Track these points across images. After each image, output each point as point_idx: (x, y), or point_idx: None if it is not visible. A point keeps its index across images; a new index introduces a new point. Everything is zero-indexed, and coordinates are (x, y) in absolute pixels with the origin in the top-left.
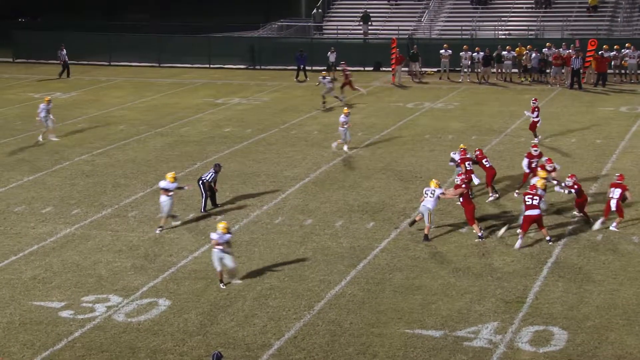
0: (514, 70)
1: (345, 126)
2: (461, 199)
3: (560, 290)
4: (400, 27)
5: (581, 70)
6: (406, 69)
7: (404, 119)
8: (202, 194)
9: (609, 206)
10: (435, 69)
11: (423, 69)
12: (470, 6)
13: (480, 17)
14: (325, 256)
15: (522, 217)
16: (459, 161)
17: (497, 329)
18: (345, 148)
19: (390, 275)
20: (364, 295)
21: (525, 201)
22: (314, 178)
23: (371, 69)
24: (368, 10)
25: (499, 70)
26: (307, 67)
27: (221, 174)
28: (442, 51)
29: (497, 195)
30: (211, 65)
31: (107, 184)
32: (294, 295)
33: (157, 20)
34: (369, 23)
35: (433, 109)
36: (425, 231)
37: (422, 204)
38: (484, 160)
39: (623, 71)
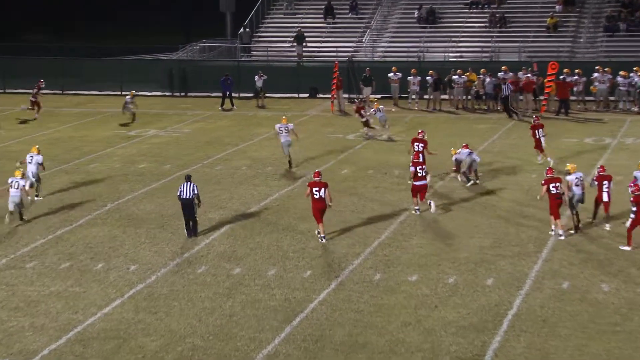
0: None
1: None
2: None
3: (522, 347)
4: (339, 48)
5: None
6: (348, 95)
7: (345, 152)
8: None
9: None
10: (378, 96)
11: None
12: (417, 25)
13: (428, 37)
14: (255, 310)
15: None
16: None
17: None
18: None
19: (330, 332)
20: (301, 355)
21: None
22: (242, 220)
23: (306, 95)
24: (302, 30)
25: (451, 97)
26: (233, 94)
27: (135, 216)
28: (390, 75)
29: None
30: (123, 92)
31: (1, 231)
32: (219, 357)
33: (60, 42)
34: (304, 44)
35: (377, 141)
36: None
37: None
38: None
39: (588, 98)
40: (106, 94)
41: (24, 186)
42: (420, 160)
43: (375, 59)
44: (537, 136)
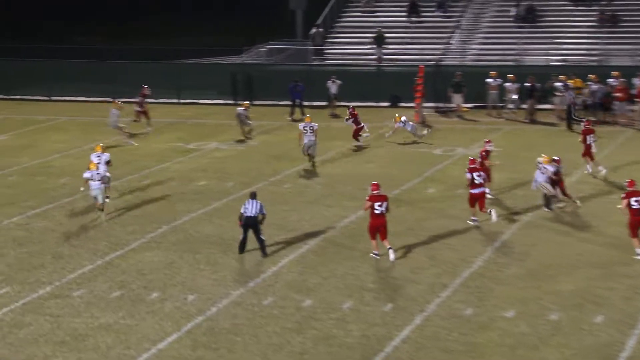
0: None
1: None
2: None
3: None
4: (424, 51)
5: None
6: (435, 105)
7: (431, 169)
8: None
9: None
10: (469, 105)
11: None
12: (514, 24)
13: (527, 38)
14: (329, 348)
15: None
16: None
17: None
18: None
19: None
20: None
21: None
22: (314, 245)
23: (387, 104)
24: (382, 30)
25: (554, 107)
26: (304, 102)
27: (193, 239)
28: (489, 80)
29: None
30: (181, 100)
31: (46, 255)
32: None
33: (111, 44)
34: (384, 46)
35: (468, 156)
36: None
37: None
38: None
39: None
40: (161, 102)
41: (104, 176)
42: (477, 165)
43: (466, 62)
44: (588, 142)
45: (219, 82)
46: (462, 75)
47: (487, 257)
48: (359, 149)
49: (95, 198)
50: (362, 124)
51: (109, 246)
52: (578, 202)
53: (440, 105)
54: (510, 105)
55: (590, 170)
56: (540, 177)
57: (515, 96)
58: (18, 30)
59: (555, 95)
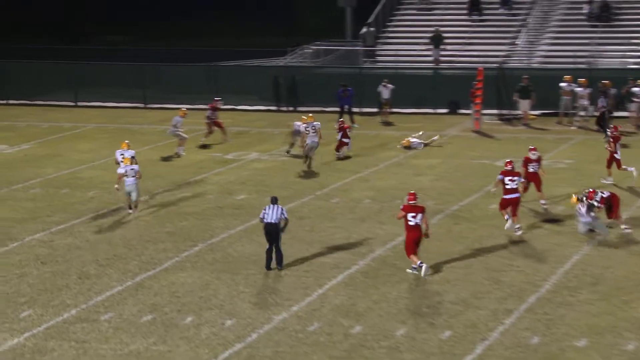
0: None
1: None
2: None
3: None
4: (487, 52)
5: None
6: (498, 111)
7: (493, 183)
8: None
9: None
10: (537, 112)
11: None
12: (587, 23)
13: (601, 38)
14: None
15: None
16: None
17: None
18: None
19: None
20: None
21: None
22: (364, 266)
23: (444, 111)
24: (440, 29)
25: (631, 114)
26: (353, 109)
27: (232, 259)
28: (563, 85)
29: None
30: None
31: (71, 275)
32: None
33: (142, 44)
34: (442, 47)
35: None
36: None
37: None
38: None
39: None
40: (196, 108)
41: (138, 171)
42: (513, 169)
43: (533, 65)
44: (616, 149)
45: (260, 87)
46: (529, 79)
47: (556, 280)
48: (338, 159)
49: (129, 194)
50: (348, 140)
51: (139, 266)
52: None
53: (504, 112)
54: (582, 113)
55: (611, 181)
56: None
57: (586, 102)
58: (40, 30)
59: (632, 101)
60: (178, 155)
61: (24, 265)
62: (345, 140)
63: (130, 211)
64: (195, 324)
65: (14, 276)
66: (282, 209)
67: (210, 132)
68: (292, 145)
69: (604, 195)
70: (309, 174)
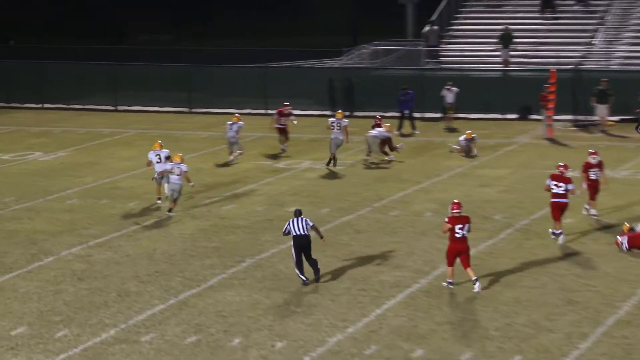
0: None
1: None
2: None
3: None
4: (561, 53)
5: None
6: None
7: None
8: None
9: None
10: (616, 118)
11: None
12: None
13: None
14: None
15: None
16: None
17: None
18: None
19: None
20: None
21: None
22: (426, 284)
23: (515, 116)
24: (510, 28)
25: None
26: (414, 114)
27: (282, 276)
28: None
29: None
30: (268, 111)
31: (110, 292)
32: None
33: (188, 43)
34: (512, 46)
35: (612, 180)
36: None
37: None
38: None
39: None
40: (246, 113)
41: (185, 171)
42: (562, 173)
43: (612, 67)
44: None
45: (314, 90)
46: (608, 82)
47: (636, 301)
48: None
49: (172, 192)
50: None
51: (183, 283)
52: None
53: (580, 118)
54: None
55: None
56: None
57: None
58: (82, 30)
59: None
60: (233, 159)
61: (59, 281)
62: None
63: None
64: (243, 346)
65: (49, 293)
66: (307, 221)
67: (286, 138)
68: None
69: None
70: (366, 185)
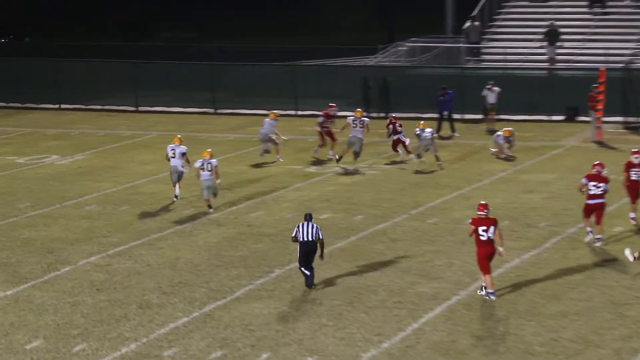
0: None
1: None
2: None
3: None
4: (610, 51)
5: None
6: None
7: (618, 202)
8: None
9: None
10: None
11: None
12: None
13: None
14: None
15: None
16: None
17: None
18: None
19: None
20: None
21: None
22: (466, 297)
23: (561, 118)
24: (556, 24)
25: None
26: (454, 115)
27: (314, 288)
28: None
29: None
30: (299, 112)
31: (130, 304)
32: None
33: (211, 41)
34: (558, 44)
35: None
36: None
37: None
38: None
39: None
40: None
41: (215, 166)
42: (599, 172)
43: None
44: None
45: (347, 89)
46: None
47: None
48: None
49: (207, 189)
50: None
51: (208, 294)
52: None
53: (631, 119)
54: None
55: None
56: None
57: None
58: (96, 26)
59: None
60: (277, 160)
61: (77, 292)
62: (399, 137)
63: (211, 210)
64: None
65: (66, 305)
66: (317, 228)
67: (324, 143)
68: None
69: None
70: (402, 190)
